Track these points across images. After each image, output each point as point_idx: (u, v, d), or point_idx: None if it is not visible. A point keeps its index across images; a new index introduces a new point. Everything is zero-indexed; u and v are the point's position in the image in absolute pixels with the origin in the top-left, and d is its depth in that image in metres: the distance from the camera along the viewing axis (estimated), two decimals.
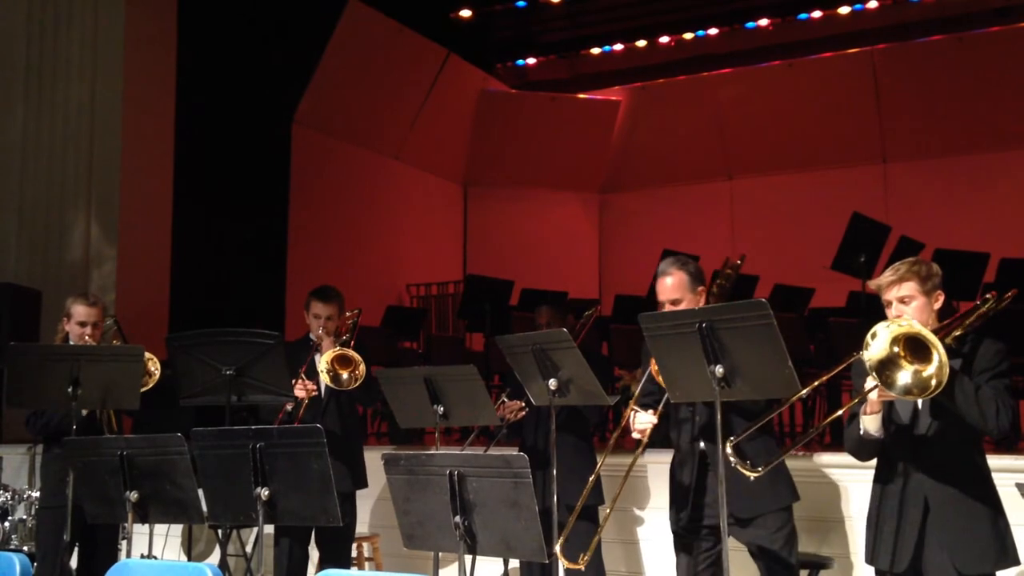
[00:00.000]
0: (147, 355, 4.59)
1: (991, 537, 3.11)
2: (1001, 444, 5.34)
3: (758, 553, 3.73)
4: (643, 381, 3.71)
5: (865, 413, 3.16)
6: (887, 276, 3.22)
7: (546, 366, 4.00)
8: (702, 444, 3.65)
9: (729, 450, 3.12)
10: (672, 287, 3.75)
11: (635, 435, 3.67)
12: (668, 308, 3.74)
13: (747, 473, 3.14)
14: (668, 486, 3.90)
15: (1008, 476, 3.58)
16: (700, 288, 3.77)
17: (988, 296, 3.27)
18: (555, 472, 4.08)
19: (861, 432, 3.20)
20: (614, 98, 13.06)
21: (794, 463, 3.74)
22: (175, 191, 8.51)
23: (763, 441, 3.64)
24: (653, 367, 3.53)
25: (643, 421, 3.64)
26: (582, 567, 3.65)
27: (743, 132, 12.08)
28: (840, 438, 3.40)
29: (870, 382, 3.01)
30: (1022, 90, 10.31)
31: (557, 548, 3.67)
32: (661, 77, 12.66)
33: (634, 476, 5.18)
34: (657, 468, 5.18)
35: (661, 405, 3.65)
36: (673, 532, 3.85)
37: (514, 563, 4.94)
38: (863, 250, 6.79)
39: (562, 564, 3.66)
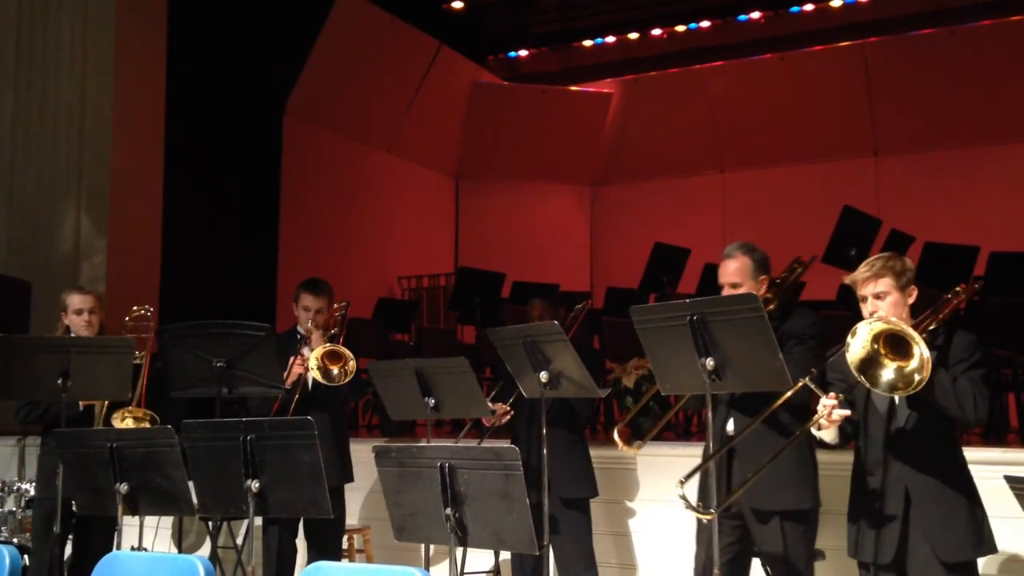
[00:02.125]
0: (149, 413, 4.58)
1: (970, 525, 3.16)
2: (989, 436, 5.38)
3: (765, 557, 3.68)
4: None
5: (820, 428, 3.17)
6: (862, 272, 3.25)
7: (537, 359, 4.00)
8: (730, 427, 3.62)
9: (680, 491, 3.04)
10: (734, 271, 3.71)
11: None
12: (727, 291, 3.69)
13: (701, 516, 3.19)
14: (667, 480, 3.88)
15: (996, 468, 3.60)
16: (763, 277, 3.72)
17: (957, 289, 3.31)
18: (546, 465, 4.08)
19: (817, 442, 3.26)
20: (606, 90, 13.05)
21: None
22: (165, 182, 8.47)
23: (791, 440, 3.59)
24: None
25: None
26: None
27: (735, 125, 12.09)
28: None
29: (824, 402, 3.06)
30: (1014, 83, 10.34)
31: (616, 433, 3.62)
32: (653, 70, 12.65)
33: (625, 468, 5.21)
34: (647, 460, 5.20)
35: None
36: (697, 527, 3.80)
37: (505, 555, 4.95)
38: (854, 243, 6.81)
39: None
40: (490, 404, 4.50)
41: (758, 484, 3.26)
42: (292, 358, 4.64)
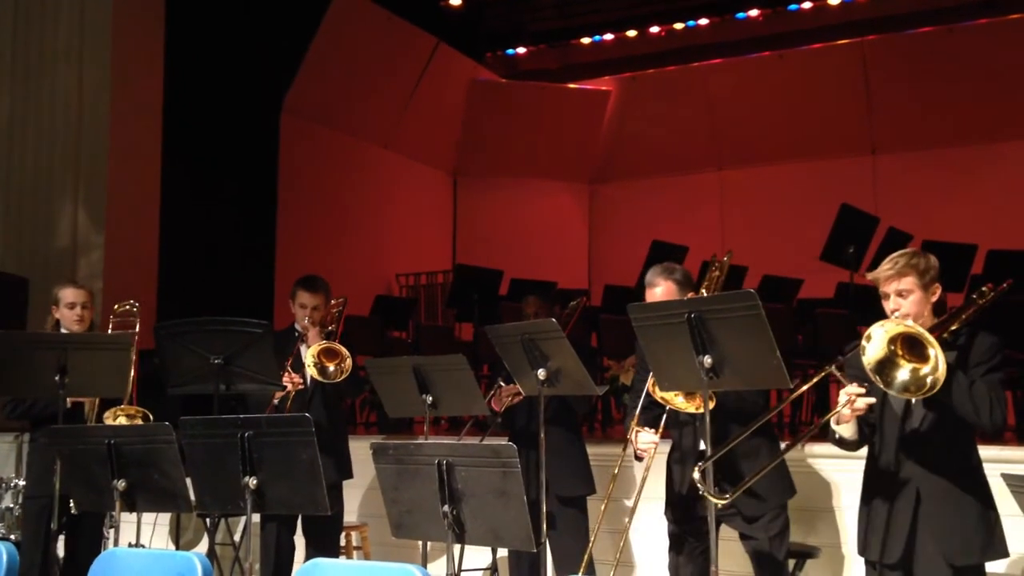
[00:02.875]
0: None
1: (979, 528, 3.12)
2: (986, 434, 5.38)
3: (748, 545, 3.74)
4: (643, 396, 3.69)
5: (838, 423, 3.17)
6: (886, 269, 3.20)
7: (535, 356, 4.00)
8: (703, 444, 3.64)
9: (697, 475, 3.09)
10: (661, 297, 3.76)
11: (639, 454, 3.69)
12: None
13: (715, 500, 3.16)
14: (663, 481, 3.90)
15: (994, 466, 3.60)
16: (689, 293, 3.78)
17: (984, 289, 3.29)
18: (544, 462, 4.08)
19: (836, 438, 3.25)
20: (604, 88, 13.05)
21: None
22: (163, 179, 8.47)
23: (762, 441, 3.65)
24: (651, 384, 3.51)
25: (646, 441, 3.66)
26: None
27: (733, 123, 12.09)
28: (827, 427, 3.40)
29: (842, 398, 3.05)
30: (1011, 82, 10.35)
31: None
32: (651, 67, 12.66)
33: (623, 466, 5.19)
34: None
35: (664, 418, 3.65)
36: (669, 530, 3.86)
37: (502, 552, 4.95)
38: (852, 241, 6.82)
39: None
40: (501, 382, 4.51)
41: (744, 493, 3.29)
42: (283, 373, 4.61)
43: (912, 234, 7.08)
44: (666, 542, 3.92)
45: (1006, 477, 2.76)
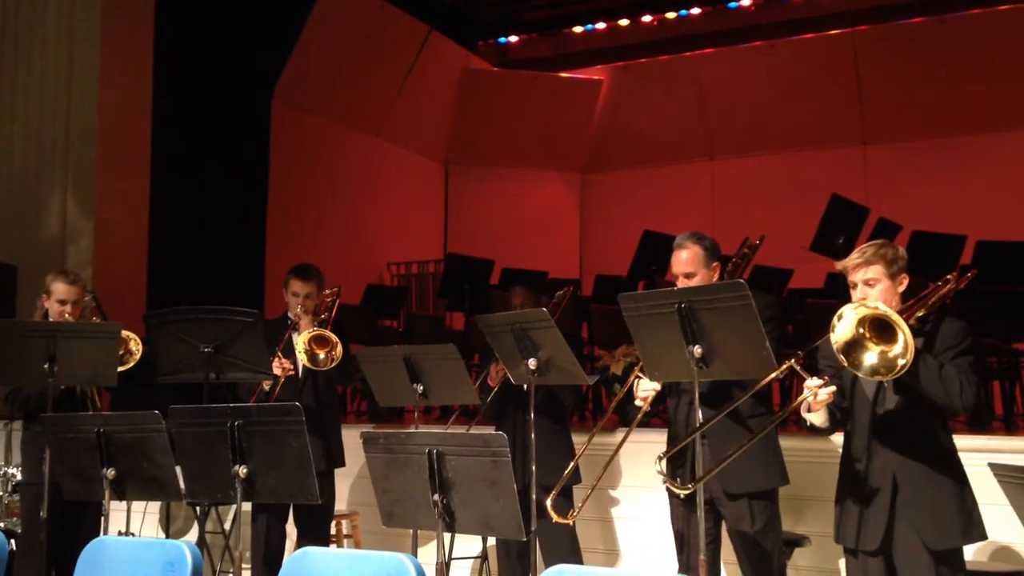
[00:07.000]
0: (129, 334, 4.57)
1: (958, 512, 3.16)
2: (974, 424, 5.42)
3: (737, 536, 3.75)
4: None
5: (808, 411, 3.19)
6: (854, 258, 3.26)
7: (526, 345, 4.00)
8: (700, 416, 3.65)
9: (659, 467, 3.12)
10: (686, 260, 3.75)
11: (638, 402, 3.63)
12: (681, 281, 3.73)
13: (677, 491, 3.25)
14: (642, 464, 3.91)
15: (980, 456, 3.63)
16: (715, 264, 3.77)
17: (948, 276, 3.33)
18: (533, 452, 4.09)
19: (808, 426, 3.28)
20: (596, 77, 13.04)
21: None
22: (153, 166, 8.42)
23: (763, 421, 3.64)
24: None
25: (646, 387, 3.60)
26: (570, 521, 3.76)
27: (724, 113, 12.10)
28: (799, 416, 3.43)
29: (812, 382, 3.07)
30: (1002, 73, 10.37)
31: (548, 502, 3.67)
32: (643, 57, 12.65)
33: (610, 456, 5.21)
34: (633, 447, 5.20)
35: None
36: (674, 527, 3.85)
37: (492, 540, 4.97)
38: (842, 232, 6.82)
39: (553, 517, 3.66)
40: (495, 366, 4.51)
41: (730, 468, 3.30)
42: (272, 359, 4.60)
43: (902, 224, 7.09)
44: (653, 528, 3.94)
45: (993, 467, 2.78)
